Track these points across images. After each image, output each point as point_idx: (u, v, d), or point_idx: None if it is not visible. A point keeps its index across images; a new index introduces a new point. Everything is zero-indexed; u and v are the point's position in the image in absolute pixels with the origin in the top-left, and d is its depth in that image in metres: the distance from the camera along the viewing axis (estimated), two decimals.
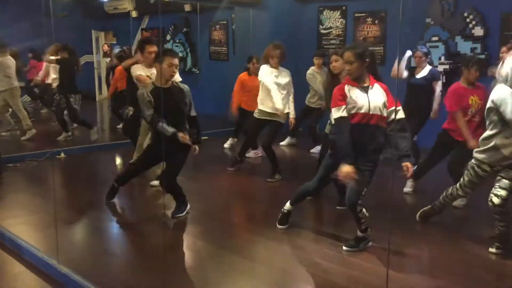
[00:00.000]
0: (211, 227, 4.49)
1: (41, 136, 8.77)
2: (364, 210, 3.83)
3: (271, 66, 5.77)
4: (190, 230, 4.47)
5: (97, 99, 12.59)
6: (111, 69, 10.22)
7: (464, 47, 7.11)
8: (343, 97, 3.66)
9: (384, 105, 3.68)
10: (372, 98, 3.66)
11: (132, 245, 4.22)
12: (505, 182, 3.75)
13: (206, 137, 8.52)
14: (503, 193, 3.73)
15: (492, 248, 3.89)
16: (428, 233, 4.38)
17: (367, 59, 3.68)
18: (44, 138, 8.60)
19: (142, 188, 5.65)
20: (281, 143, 7.93)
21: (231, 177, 6.25)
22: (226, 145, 7.94)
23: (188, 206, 4.72)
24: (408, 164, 3.62)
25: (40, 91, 10.65)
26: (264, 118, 5.89)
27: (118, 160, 7.18)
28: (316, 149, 7.46)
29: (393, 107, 3.67)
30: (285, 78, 5.81)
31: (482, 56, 6.84)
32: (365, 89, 3.69)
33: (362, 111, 3.64)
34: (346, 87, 3.70)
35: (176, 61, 4.47)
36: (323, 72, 7.19)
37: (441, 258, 3.87)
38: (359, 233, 3.90)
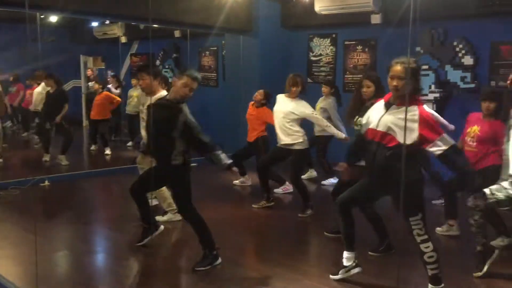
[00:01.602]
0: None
1: (25, 162, 8.58)
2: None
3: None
4: (185, 265, 4.28)
5: (84, 124, 12.43)
6: (93, 94, 10.04)
7: (454, 76, 7.12)
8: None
9: (398, 127, 3.24)
10: (386, 116, 3.34)
11: (118, 281, 4.01)
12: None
13: (195, 164, 8.37)
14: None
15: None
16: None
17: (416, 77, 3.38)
18: (28, 164, 8.41)
19: (131, 218, 5.49)
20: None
21: (221, 208, 6.07)
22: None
23: (219, 260, 4.09)
24: None
25: (20, 115, 10.71)
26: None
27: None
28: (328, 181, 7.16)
29: (438, 138, 3.17)
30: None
31: (472, 85, 6.89)
32: (388, 106, 3.39)
33: (371, 126, 3.43)
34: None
35: (194, 85, 3.94)
36: (326, 102, 7.06)
37: None
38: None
